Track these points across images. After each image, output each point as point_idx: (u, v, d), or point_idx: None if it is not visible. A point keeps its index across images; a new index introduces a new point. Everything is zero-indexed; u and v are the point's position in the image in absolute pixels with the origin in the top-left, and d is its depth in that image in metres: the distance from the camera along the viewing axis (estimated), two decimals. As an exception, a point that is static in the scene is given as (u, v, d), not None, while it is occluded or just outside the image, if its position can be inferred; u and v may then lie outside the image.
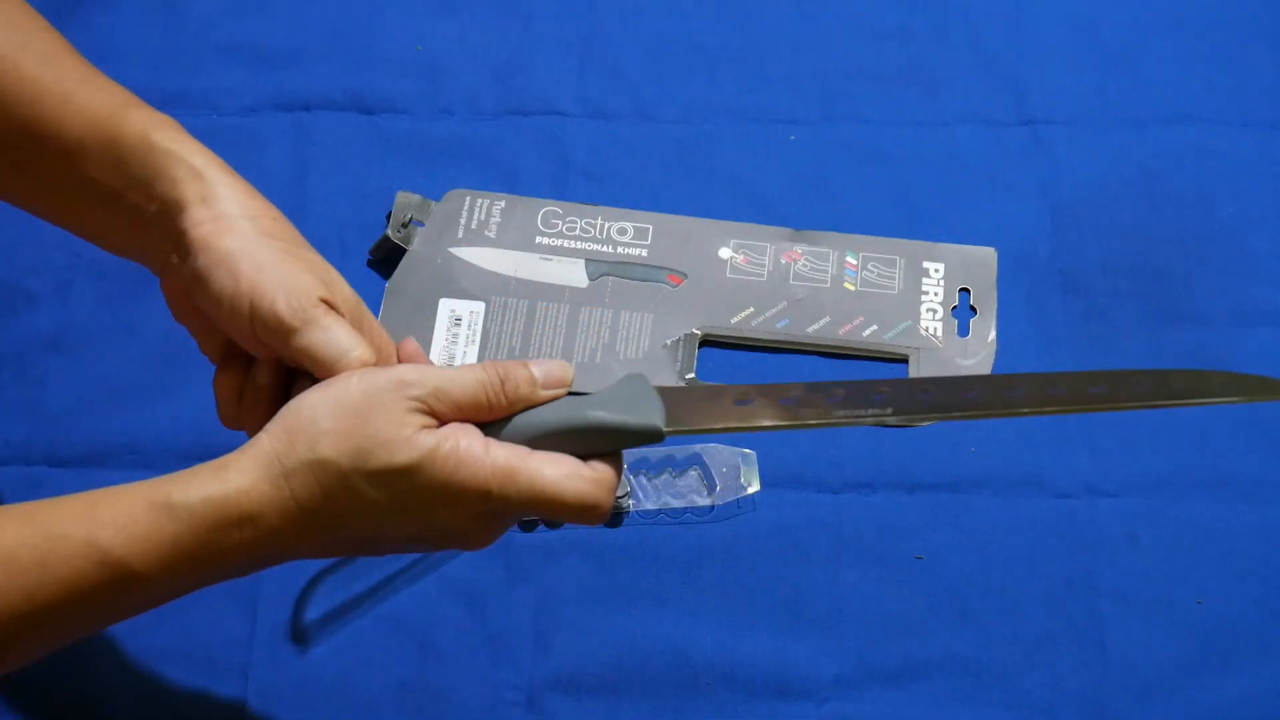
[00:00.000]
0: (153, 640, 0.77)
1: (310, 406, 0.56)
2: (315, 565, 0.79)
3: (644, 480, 0.81)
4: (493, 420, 0.58)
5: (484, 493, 0.56)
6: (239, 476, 0.55)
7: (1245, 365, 0.84)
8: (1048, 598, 0.78)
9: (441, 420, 0.57)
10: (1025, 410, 0.60)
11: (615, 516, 0.81)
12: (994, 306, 0.86)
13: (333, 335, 0.58)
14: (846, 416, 0.59)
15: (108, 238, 0.65)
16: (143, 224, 0.62)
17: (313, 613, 0.78)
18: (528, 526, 0.80)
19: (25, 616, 0.53)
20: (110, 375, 0.85)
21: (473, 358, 0.85)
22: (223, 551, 0.55)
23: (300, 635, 0.78)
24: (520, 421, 0.58)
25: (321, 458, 0.55)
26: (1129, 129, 0.92)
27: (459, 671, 0.77)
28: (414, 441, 0.55)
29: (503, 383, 0.57)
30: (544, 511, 0.57)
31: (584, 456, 0.58)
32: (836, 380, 0.61)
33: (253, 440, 0.56)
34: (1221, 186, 0.90)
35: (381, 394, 0.55)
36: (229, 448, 0.81)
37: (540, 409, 0.58)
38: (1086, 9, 0.96)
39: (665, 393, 0.59)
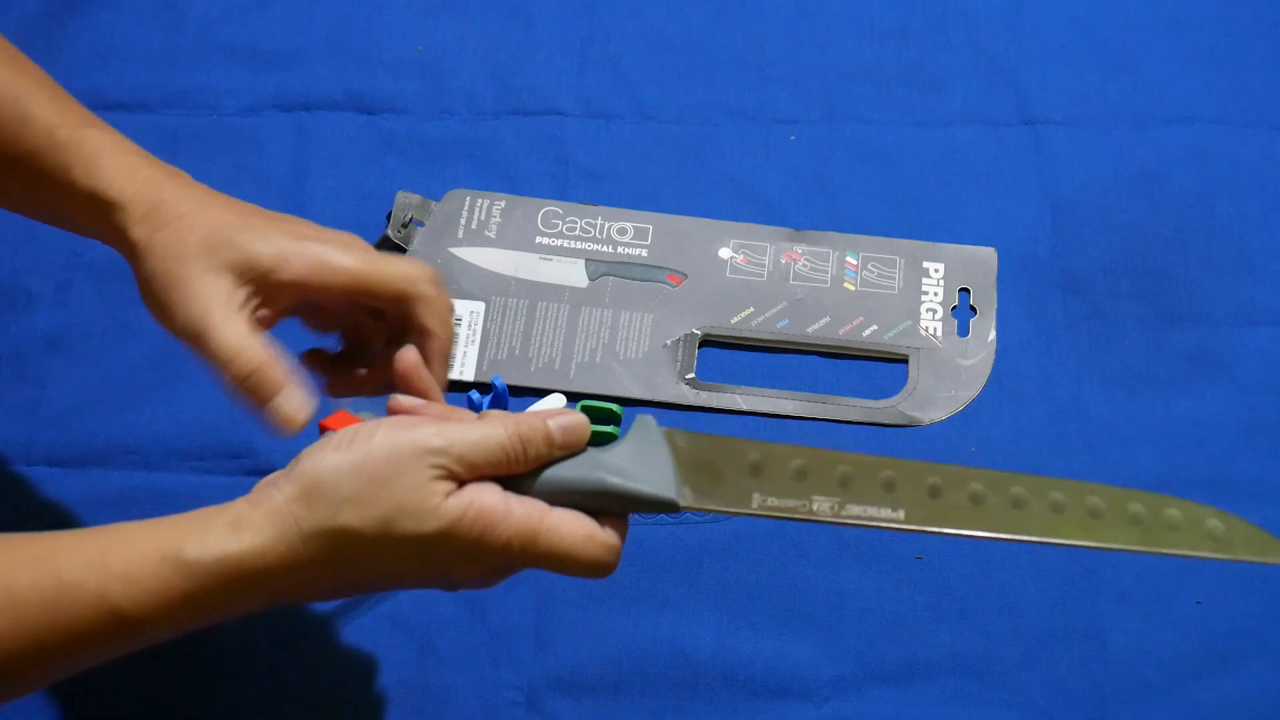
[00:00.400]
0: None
1: (331, 471, 0.55)
2: (315, 565, 0.79)
3: (644, 480, 0.81)
4: (510, 476, 0.58)
5: (504, 553, 0.56)
6: (254, 536, 0.55)
7: (1245, 365, 0.84)
8: (1048, 598, 0.78)
9: (461, 481, 0.57)
10: (1034, 535, 0.59)
11: (615, 516, 0.80)
12: (994, 306, 0.86)
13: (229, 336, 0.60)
14: (859, 516, 0.59)
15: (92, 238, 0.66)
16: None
17: (313, 612, 0.78)
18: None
19: (34, 659, 0.54)
20: (110, 375, 0.85)
21: (473, 358, 0.85)
22: (231, 606, 0.56)
23: (300, 635, 0.78)
24: (539, 477, 0.58)
25: (343, 526, 0.55)
26: (1129, 129, 0.92)
27: (459, 671, 0.77)
28: (440, 511, 0.55)
29: (524, 446, 0.57)
30: (555, 570, 0.57)
31: (594, 513, 0.58)
32: (845, 453, 0.61)
33: (266, 496, 0.56)
34: (1221, 186, 0.90)
35: (406, 462, 0.55)
36: (230, 448, 0.82)
37: (558, 465, 0.58)
38: (1086, 9, 0.96)
39: (676, 446, 0.59)
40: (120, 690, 0.76)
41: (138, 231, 0.61)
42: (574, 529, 0.57)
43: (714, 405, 0.83)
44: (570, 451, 0.59)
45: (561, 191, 0.91)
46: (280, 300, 0.62)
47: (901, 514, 0.59)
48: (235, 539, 0.54)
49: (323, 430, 0.60)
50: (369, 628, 0.78)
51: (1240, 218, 0.89)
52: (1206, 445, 0.82)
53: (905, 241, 0.89)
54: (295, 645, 0.77)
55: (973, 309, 0.86)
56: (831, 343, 0.85)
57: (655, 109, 0.94)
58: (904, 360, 0.85)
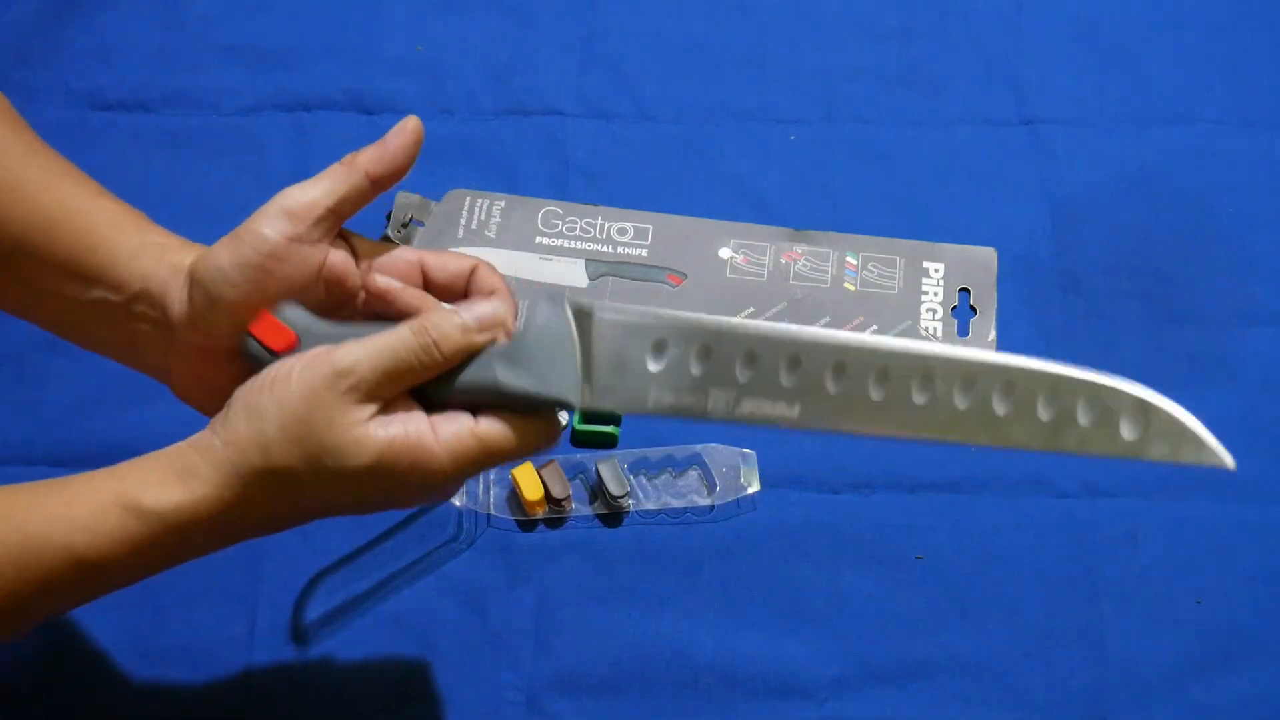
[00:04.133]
0: (153, 640, 0.77)
1: (256, 412, 0.56)
2: (315, 565, 0.79)
3: (644, 480, 0.81)
4: (432, 379, 0.57)
5: (441, 476, 0.57)
6: (204, 486, 0.56)
7: (1245, 365, 0.84)
8: (1048, 598, 0.78)
9: (385, 401, 0.57)
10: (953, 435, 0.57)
11: (615, 516, 0.81)
12: (994, 306, 0.86)
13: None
14: (753, 413, 0.58)
15: (106, 341, 0.65)
16: (123, 317, 0.62)
17: (313, 613, 0.78)
18: (527, 526, 0.80)
19: (6, 609, 0.57)
20: (110, 375, 0.84)
21: (473, 358, 0.85)
22: (189, 549, 0.58)
23: (300, 635, 0.78)
24: (450, 384, 0.57)
25: (275, 467, 0.56)
26: (1129, 129, 0.92)
27: (459, 671, 0.77)
28: (364, 443, 0.56)
29: (436, 345, 0.57)
30: (498, 465, 0.58)
31: (513, 409, 0.57)
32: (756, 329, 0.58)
33: (208, 444, 0.57)
34: (1221, 186, 0.90)
35: (321, 395, 0.56)
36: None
37: (464, 373, 0.57)
38: (1086, 9, 0.96)
39: (584, 329, 0.57)
40: (117, 691, 0.76)
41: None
42: (501, 430, 0.57)
43: (714, 405, 0.83)
44: (491, 337, 0.58)
45: (561, 191, 0.91)
46: None
47: (796, 410, 0.57)
48: (187, 489, 0.56)
49: (249, 335, 0.59)
50: (369, 628, 0.78)
51: (1240, 218, 0.89)
52: (1206, 445, 0.82)
53: (905, 241, 0.89)
54: (295, 645, 0.77)
55: (973, 309, 0.86)
56: (831, 343, 0.85)
57: (655, 109, 0.94)
58: (904, 360, 0.85)
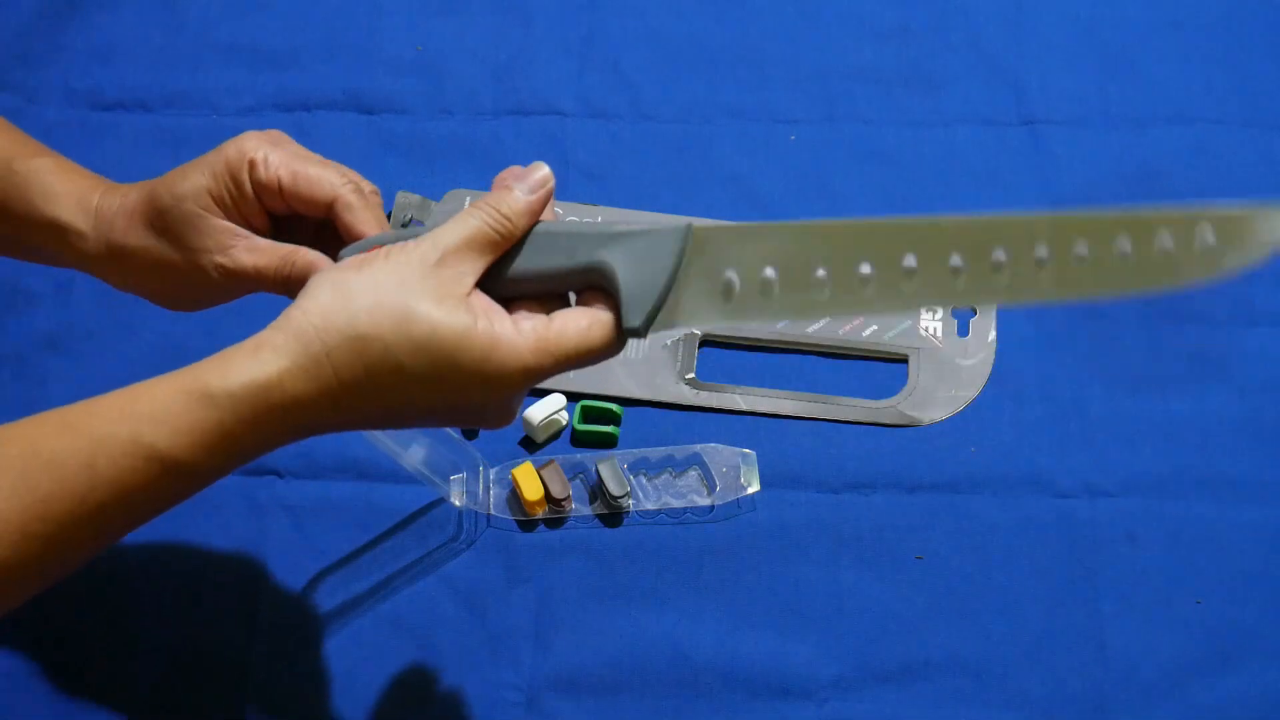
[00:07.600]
0: (153, 640, 0.77)
1: (344, 283, 0.56)
2: (315, 565, 0.79)
3: (644, 480, 0.81)
4: (506, 253, 0.59)
5: (523, 370, 0.57)
6: (278, 358, 0.55)
7: (1245, 365, 0.84)
8: (1048, 598, 0.78)
9: (471, 273, 0.58)
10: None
11: (615, 516, 0.81)
12: (994, 306, 0.86)
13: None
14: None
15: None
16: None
17: (313, 613, 0.78)
18: (527, 526, 0.80)
19: (79, 520, 0.54)
20: (110, 375, 0.85)
21: (473, 358, 0.85)
22: (266, 433, 0.56)
23: (300, 635, 0.78)
24: (526, 263, 0.59)
25: (362, 333, 0.55)
26: (1129, 129, 0.92)
27: (459, 671, 0.77)
28: (453, 317, 0.56)
29: (502, 213, 0.59)
30: (575, 365, 0.58)
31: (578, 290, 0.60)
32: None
33: (284, 317, 0.56)
34: (1221, 186, 0.90)
35: (415, 269, 0.57)
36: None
37: (548, 255, 0.59)
38: (1086, 9, 0.96)
39: (688, 257, 0.59)
40: (117, 693, 0.76)
41: (92, 245, 0.64)
42: (576, 320, 0.58)
43: (714, 405, 0.83)
44: (544, 194, 0.60)
45: (561, 191, 0.91)
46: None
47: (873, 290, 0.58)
48: (257, 362, 0.55)
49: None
50: (369, 628, 0.78)
51: (1240, 218, 0.89)
52: (1206, 445, 0.82)
53: (905, 241, 0.89)
54: (295, 646, 0.77)
55: (973, 309, 0.86)
56: (831, 343, 0.85)
57: (655, 109, 0.94)
58: (904, 360, 0.85)
